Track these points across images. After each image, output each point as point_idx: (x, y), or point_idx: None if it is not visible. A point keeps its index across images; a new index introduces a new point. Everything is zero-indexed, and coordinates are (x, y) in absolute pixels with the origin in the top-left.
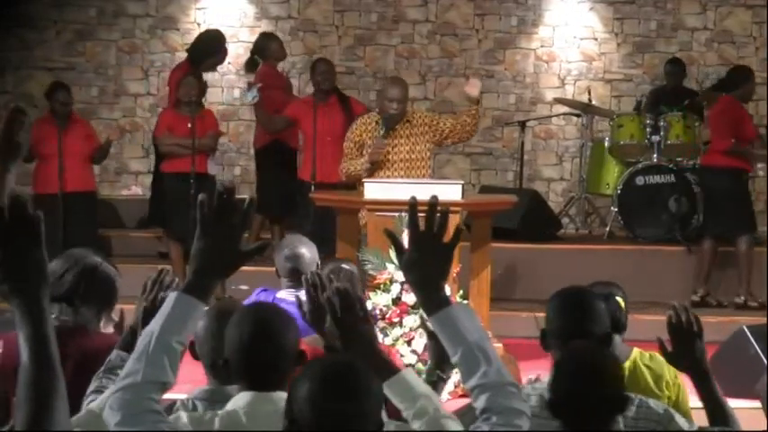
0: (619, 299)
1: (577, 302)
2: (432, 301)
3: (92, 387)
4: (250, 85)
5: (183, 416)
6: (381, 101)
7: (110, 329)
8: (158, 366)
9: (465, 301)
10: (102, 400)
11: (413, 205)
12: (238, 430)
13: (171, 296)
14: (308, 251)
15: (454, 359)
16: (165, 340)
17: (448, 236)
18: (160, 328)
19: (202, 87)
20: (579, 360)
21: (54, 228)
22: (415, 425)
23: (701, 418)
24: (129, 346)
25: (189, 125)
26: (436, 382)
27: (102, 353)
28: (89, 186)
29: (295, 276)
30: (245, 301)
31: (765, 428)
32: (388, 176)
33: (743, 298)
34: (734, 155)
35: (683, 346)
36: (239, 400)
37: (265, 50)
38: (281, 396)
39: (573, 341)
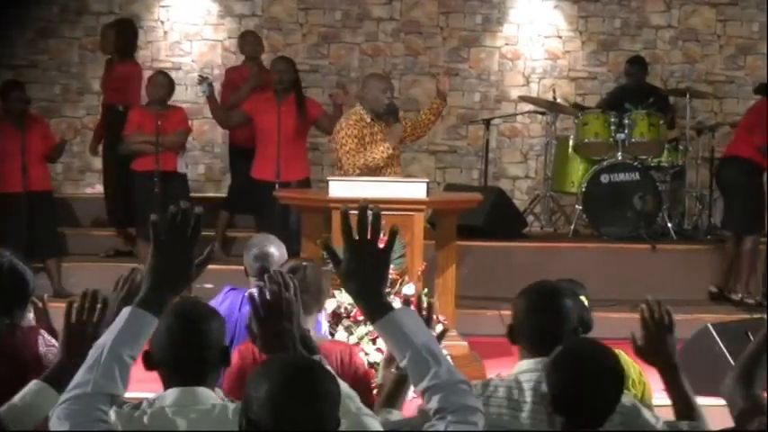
0: (583, 297)
1: (546, 300)
2: (374, 308)
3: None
4: (201, 79)
5: (111, 414)
6: (374, 94)
7: (29, 322)
8: (109, 378)
9: (432, 300)
10: (23, 393)
11: (344, 213)
12: (166, 430)
13: (125, 310)
14: (276, 250)
15: (403, 363)
16: (117, 353)
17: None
18: (113, 341)
19: (171, 85)
20: (586, 358)
21: (19, 227)
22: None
23: (666, 417)
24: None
25: (159, 123)
26: (406, 376)
27: (20, 351)
28: (45, 186)
29: (263, 275)
30: (212, 300)
31: (730, 426)
32: (391, 173)
33: (740, 295)
34: (762, 153)
35: (655, 340)
36: (167, 397)
37: (241, 49)
38: (207, 393)
39: (577, 339)
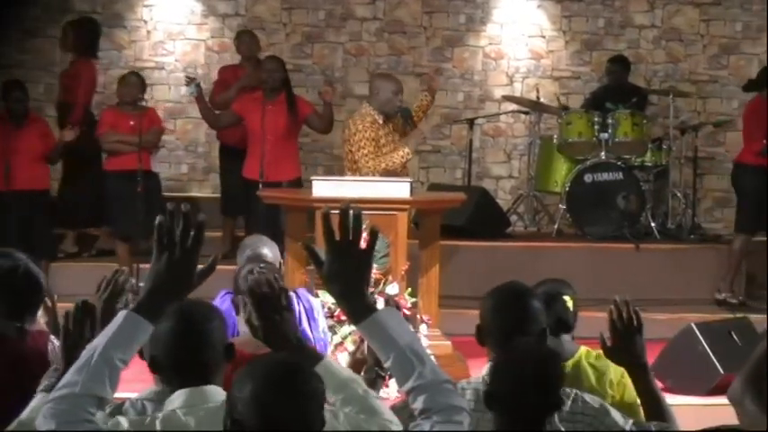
0: (566, 298)
1: (513, 300)
2: (357, 309)
3: (41, 386)
4: (189, 80)
5: (123, 421)
6: (386, 96)
7: (40, 326)
8: (98, 381)
9: (414, 299)
10: (30, 409)
11: (326, 215)
12: (180, 430)
13: (120, 314)
14: (269, 251)
15: (387, 364)
16: (108, 356)
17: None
18: (105, 344)
19: (143, 85)
20: (522, 358)
21: (3, 226)
22: (346, 409)
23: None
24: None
25: (132, 123)
26: (375, 380)
27: (29, 356)
28: (42, 185)
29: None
30: None
31: (710, 426)
32: (396, 173)
33: (723, 295)
34: (765, 156)
35: (623, 341)
36: (175, 399)
37: (237, 49)
38: (216, 390)
39: (518, 338)
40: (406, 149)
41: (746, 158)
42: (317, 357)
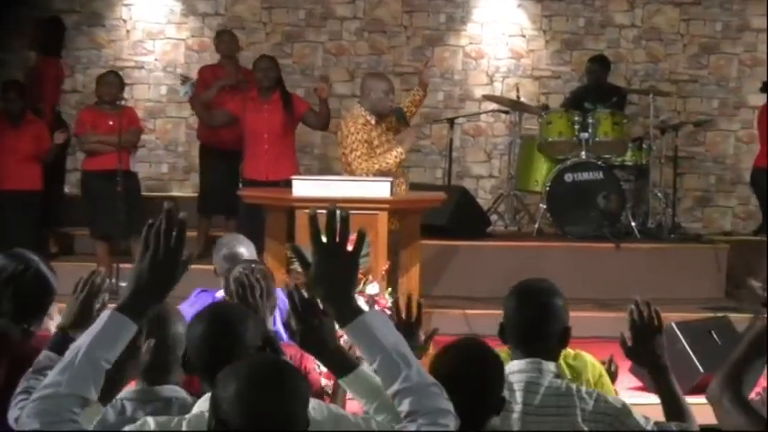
0: None
1: (536, 299)
2: (343, 311)
3: (20, 388)
4: (184, 80)
5: (150, 421)
6: (378, 96)
7: (47, 329)
8: (82, 381)
9: (392, 299)
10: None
11: (313, 217)
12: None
13: (104, 314)
14: (246, 250)
15: (373, 366)
16: (92, 356)
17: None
18: (89, 344)
19: (122, 84)
20: (456, 357)
21: None
22: (379, 418)
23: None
24: (58, 347)
25: (111, 122)
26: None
27: (32, 359)
28: (34, 186)
29: None
30: (183, 303)
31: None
32: (390, 173)
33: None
34: None
35: (643, 342)
36: (206, 402)
37: (216, 48)
38: None
39: (462, 338)
40: (399, 149)
41: (762, 162)
42: (352, 365)
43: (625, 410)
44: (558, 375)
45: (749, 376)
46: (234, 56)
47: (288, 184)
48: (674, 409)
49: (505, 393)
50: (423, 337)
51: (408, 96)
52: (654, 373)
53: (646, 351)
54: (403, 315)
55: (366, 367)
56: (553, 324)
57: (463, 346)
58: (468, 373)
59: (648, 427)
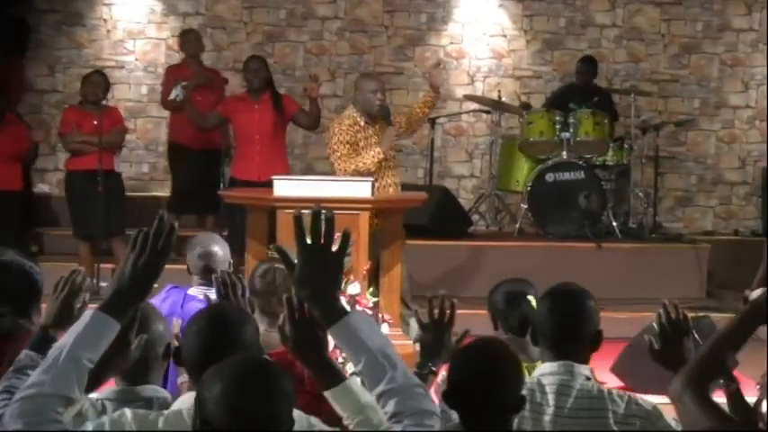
0: (530, 298)
1: (569, 301)
2: (328, 312)
3: (0, 387)
4: (176, 83)
5: (128, 413)
6: (364, 96)
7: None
8: (65, 381)
9: (375, 299)
10: None
11: (298, 218)
12: (181, 431)
13: (87, 313)
14: (220, 249)
15: (358, 368)
16: (75, 356)
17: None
18: (72, 344)
19: (107, 84)
20: (476, 355)
21: None
22: None
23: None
24: (38, 346)
25: (95, 122)
26: (427, 375)
27: None
28: (14, 186)
29: (207, 274)
30: (155, 298)
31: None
32: (381, 176)
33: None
34: None
35: (671, 344)
36: (185, 400)
37: (182, 47)
38: None
39: (480, 337)
40: (377, 149)
41: None
42: (339, 378)
43: (656, 413)
44: (590, 378)
45: (713, 375)
46: (198, 55)
47: None
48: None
49: (537, 395)
50: (453, 339)
51: (420, 98)
52: None
53: (674, 354)
54: (435, 315)
55: (353, 381)
56: (586, 326)
57: (479, 345)
58: (483, 372)
59: (679, 428)
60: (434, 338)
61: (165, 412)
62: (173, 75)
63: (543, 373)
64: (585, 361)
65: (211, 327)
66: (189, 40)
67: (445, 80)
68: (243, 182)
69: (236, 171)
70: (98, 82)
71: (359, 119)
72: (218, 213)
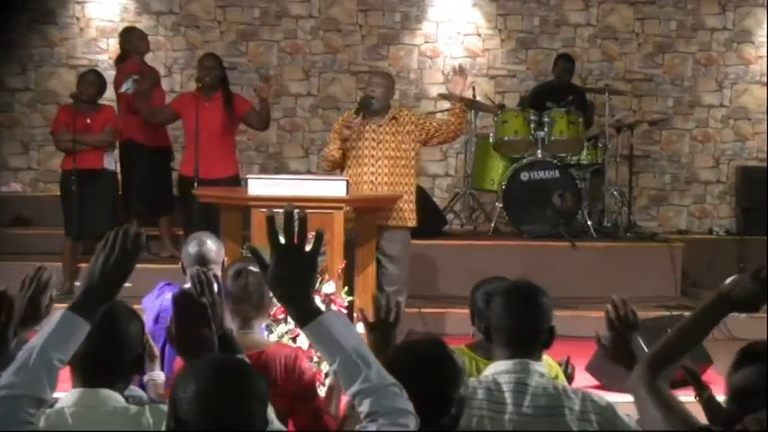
0: None
1: (526, 299)
2: (302, 312)
3: None
4: (127, 76)
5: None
6: (365, 89)
7: None
8: (37, 382)
9: (350, 298)
10: None
11: (270, 218)
12: (62, 431)
13: (57, 314)
14: (214, 245)
15: (333, 367)
16: (46, 357)
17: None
18: (42, 344)
19: (102, 84)
20: (409, 354)
21: None
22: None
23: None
24: None
25: (88, 121)
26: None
27: None
28: None
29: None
30: (148, 296)
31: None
32: (374, 172)
33: None
34: None
35: (621, 341)
36: (68, 398)
37: (127, 44)
38: (109, 394)
39: (420, 336)
40: (331, 145)
41: None
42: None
43: (611, 409)
44: (544, 375)
45: (668, 366)
46: (143, 53)
47: (227, 183)
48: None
49: (495, 394)
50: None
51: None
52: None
53: (622, 350)
54: (382, 314)
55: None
56: (540, 323)
57: (413, 344)
58: (422, 372)
59: (634, 426)
60: (380, 337)
61: (48, 410)
62: (122, 74)
63: (499, 371)
64: (539, 358)
65: (96, 327)
66: (137, 36)
67: (419, 79)
68: (187, 178)
69: (184, 168)
70: (92, 81)
71: (357, 114)
72: (173, 213)
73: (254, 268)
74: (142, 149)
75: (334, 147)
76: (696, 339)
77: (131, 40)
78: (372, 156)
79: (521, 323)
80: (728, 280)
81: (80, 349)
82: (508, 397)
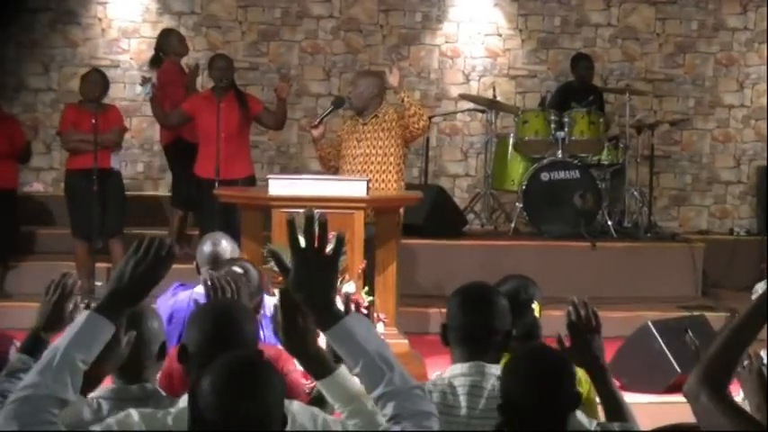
0: (534, 306)
1: (480, 300)
2: (324, 316)
3: None
4: (144, 80)
5: (134, 414)
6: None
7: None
8: (60, 382)
9: (371, 298)
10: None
11: (291, 222)
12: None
13: (83, 314)
14: (229, 244)
15: (356, 371)
16: (70, 357)
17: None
18: (67, 345)
19: (106, 83)
20: (537, 361)
21: None
22: (352, 422)
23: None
24: (30, 349)
25: (93, 121)
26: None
27: None
28: (10, 184)
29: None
30: (162, 296)
31: (668, 423)
32: (350, 170)
33: None
34: None
35: (582, 342)
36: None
37: (165, 46)
38: None
39: (529, 343)
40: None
41: None
42: (330, 368)
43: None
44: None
45: (729, 372)
46: (181, 55)
47: (245, 183)
48: (615, 408)
49: (449, 397)
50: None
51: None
52: (592, 373)
53: (585, 352)
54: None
55: (343, 371)
56: (498, 326)
57: (534, 350)
58: (548, 374)
59: (592, 427)
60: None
61: (173, 410)
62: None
63: (454, 374)
64: (497, 360)
65: (213, 323)
66: (177, 39)
67: (440, 79)
68: (204, 180)
69: (199, 169)
70: (96, 81)
71: (354, 115)
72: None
73: (237, 269)
74: (193, 147)
75: (318, 146)
76: (743, 346)
77: (171, 42)
78: (352, 155)
79: (474, 323)
80: (762, 283)
81: (206, 349)
82: (463, 400)
